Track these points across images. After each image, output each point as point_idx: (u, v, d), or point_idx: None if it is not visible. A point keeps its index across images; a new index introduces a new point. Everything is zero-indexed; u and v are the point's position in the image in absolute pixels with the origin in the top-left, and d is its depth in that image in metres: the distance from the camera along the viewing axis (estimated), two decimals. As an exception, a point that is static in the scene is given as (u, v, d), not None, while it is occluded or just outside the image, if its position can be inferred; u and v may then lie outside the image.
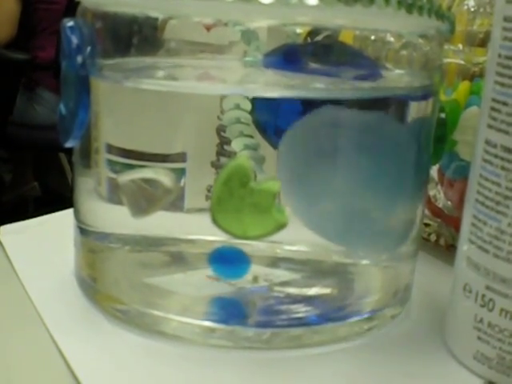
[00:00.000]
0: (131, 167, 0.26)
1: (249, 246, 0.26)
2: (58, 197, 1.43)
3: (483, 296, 0.22)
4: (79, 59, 0.24)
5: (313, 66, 0.28)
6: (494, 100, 0.22)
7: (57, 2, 1.40)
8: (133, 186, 0.23)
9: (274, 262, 0.28)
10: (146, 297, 0.25)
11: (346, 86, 0.26)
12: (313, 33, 0.26)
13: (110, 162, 0.26)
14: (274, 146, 0.26)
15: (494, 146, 0.22)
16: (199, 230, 0.26)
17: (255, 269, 0.27)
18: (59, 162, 1.61)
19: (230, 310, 0.25)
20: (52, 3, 1.43)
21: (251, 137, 0.26)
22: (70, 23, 0.24)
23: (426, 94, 0.26)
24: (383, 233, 0.25)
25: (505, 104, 0.21)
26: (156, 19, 0.24)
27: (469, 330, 0.23)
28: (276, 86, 0.27)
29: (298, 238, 0.27)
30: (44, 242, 0.32)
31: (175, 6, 0.24)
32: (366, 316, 0.25)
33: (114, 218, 0.26)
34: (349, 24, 0.25)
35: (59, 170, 1.62)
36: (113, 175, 0.26)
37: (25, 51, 1.40)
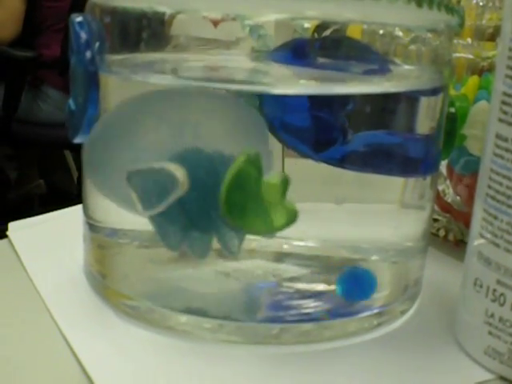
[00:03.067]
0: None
1: (257, 242, 0.26)
2: (63, 194, 1.44)
3: (494, 290, 0.22)
4: (88, 55, 0.24)
5: (321, 60, 0.27)
6: (504, 94, 0.22)
7: (61, 0, 1.40)
8: (143, 180, 0.23)
9: (283, 257, 0.28)
10: (155, 292, 0.25)
11: (355, 82, 0.26)
12: (320, 27, 0.26)
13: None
14: (282, 141, 0.26)
15: (505, 140, 0.22)
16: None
17: (264, 264, 0.27)
18: (64, 159, 1.62)
19: (239, 306, 0.25)
20: (57, 1, 1.43)
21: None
22: (79, 19, 0.24)
23: (435, 88, 0.26)
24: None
25: (516, 98, 0.21)
26: (164, 14, 0.24)
27: (480, 324, 0.23)
28: (284, 82, 0.27)
29: (307, 234, 0.26)
30: (53, 239, 0.32)
31: (183, 0, 0.24)
32: (375, 311, 0.25)
33: (123, 214, 0.26)
34: (358, 18, 0.25)
35: (64, 168, 1.62)
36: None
37: (30, 49, 1.40)
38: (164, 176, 0.21)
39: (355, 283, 0.25)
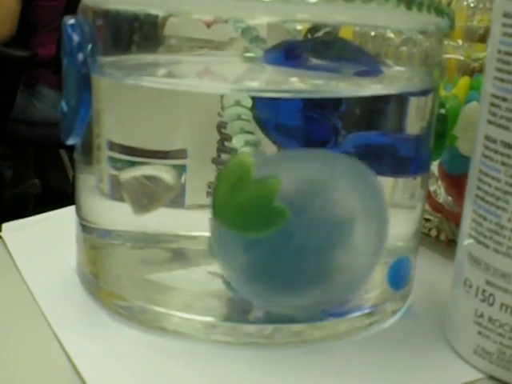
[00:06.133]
0: (133, 164, 0.26)
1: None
2: (58, 193, 1.43)
3: (483, 291, 0.23)
4: (80, 57, 0.24)
5: (313, 62, 0.28)
6: (493, 95, 0.22)
7: (56, -1, 1.40)
8: (134, 182, 0.23)
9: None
10: (147, 293, 0.25)
11: (347, 83, 0.26)
12: (313, 29, 0.26)
13: (112, 159, 0.26)
14: (275, 142, 0.26)
15: (494, 142, 0.22)
16: (200, 226, 0.26)
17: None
18: (60, 158, 1.62)
19: (232, 306, 0.26)
20: (51, 0, 1.43)
21: (252, 133, 0.26)
22: (71, 21, 0.24)
23: (425, 89, 0.26)
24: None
25: (504, 100, 0.21)
26: (156, 17, 0.24)
27: (469, 324, 0.23)
28: (277, 83, 0.27)
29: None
30: (46, 239, 0.32)
31: (175, 3, 0.24)
32: (366, 311, 0.26)
33: (116, 215, 0.27)
34: (349, 20, 0.25)
35: (60, 167, 1.62)
36: (114, 172, 0.26)
37: (25, 48, 1.40)
38: (156, 179, 0.22)
39: (401, 272, 0.26)
